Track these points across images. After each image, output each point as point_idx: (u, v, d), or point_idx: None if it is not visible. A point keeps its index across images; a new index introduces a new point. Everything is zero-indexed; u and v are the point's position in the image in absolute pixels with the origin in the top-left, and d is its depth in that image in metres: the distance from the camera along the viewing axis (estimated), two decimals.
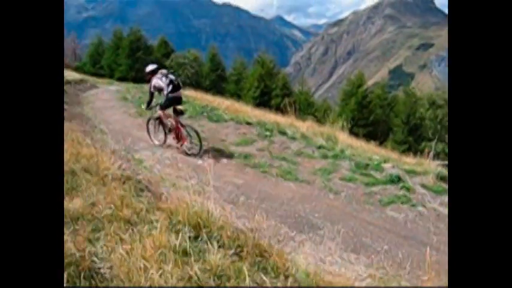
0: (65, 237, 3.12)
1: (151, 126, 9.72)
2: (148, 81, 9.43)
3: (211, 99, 19.08)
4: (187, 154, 8.52)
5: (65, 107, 12.86)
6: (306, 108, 28.21)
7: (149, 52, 36.80)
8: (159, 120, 9.35)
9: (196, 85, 31.70)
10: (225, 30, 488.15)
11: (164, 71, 9.47)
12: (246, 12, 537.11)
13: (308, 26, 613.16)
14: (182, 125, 8.91)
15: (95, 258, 2.99)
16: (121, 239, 3.21)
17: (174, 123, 8.94)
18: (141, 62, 35.18)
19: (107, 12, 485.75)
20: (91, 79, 25.14)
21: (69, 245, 3.03)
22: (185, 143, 8.72)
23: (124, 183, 4.97)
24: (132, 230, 3.43)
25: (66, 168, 5.17)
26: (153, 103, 9.47)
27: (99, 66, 37.21)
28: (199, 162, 7.66)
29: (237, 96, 31.24)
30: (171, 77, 9.18)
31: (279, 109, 20.33)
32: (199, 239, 3.43)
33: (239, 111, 14.50)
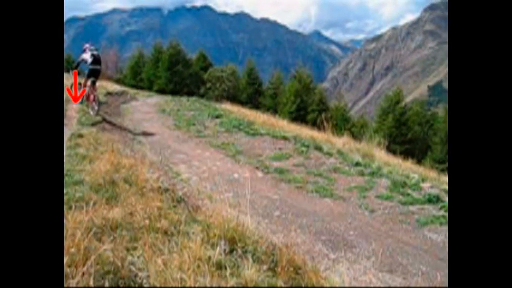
0: (105, 245, 3.21)
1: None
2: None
3: (247, 113, 19.20)
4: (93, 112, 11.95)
5: (106, 117, 13.23)
6: (342, 123, 28.00)
7: (188, 65, 37.42)
8: (85, 84, 12.35)
9: (233, 99, 31.99)
10: (262, 44, 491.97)
11: (92, 47, 12.39)
12: (284, 27, 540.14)
13: (346, 41, 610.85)
14: (93, 93, 12.09)
15: (132, 268, 3.06)
16: (158, 250, 3.27)
17: (92, 90, 12.11)
18: (179, 75, 35.88)
19: (149, 26, 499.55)
20: (131, 91, 25.76)
21: (108, 254, 3.11)
22: (92, 104, 12.14)
23: (161, 194, 5.06)
24: (169, 241, 3.49)
25: (107, 177, 5.33)
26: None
27: (140, 78, 38.08)
28: (236, 175, 7.72)
29: (274, 110, 31.28)
30: (94, 53, 12.13)
31: (315, 124, 20.28)
32: (234, 252, 3.45)
33: (275, 126, 14.53)
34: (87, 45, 12.50)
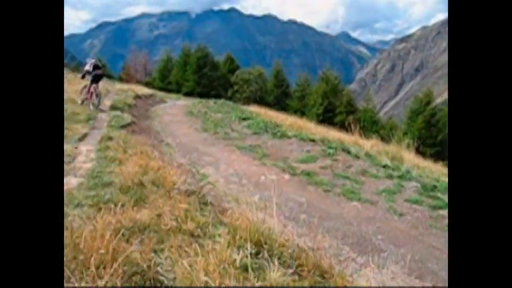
0: (133, 247, 3.25)
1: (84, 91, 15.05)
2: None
3: (274, 115, 19.22)
4: (93, 107, 14.18)
5: (135, 120, 13.45)
6: (370, 126, 27.72)
7: (215, 68, 37.76)
8: (88, 88, 14.77)
9: (260, 101, 32.08)
10: (290, 46, 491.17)
11: (92, 59, 15.70)
12: (311, 29, 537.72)
13: (374, 42, 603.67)
14: (95, 91, 14.51)
15: (159, 269, 3.09)
16: (185, 252, 3.29)
17: (93, 88, 14.51)
18: (207, 77, 36.22)
19: (177, 30, 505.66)
20: (160, 94, 26.14)
21: (136, 255, 3.16)
22: (92, 99, 14.44)
23: (189, 196, 5.10)
24: (196, 243, 3.51)
25: (135, 180, 5.41)
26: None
27: (168, 81, 38.62)
28: (262, 178, 7.72)
29: (301, 112, 31.23)
30: (93, 62, 15.21)
31: (343, 126, 20.15)
32: (260, 255, 3.44)
33: (302, 128, 14.50)
34: (87, 60, 15.83)
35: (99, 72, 15.14)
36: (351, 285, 3.50)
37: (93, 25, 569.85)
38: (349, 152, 9.78)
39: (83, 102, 14.77)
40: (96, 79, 14.86)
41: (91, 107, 14.30)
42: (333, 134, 14.66)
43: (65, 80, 22.51)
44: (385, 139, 17.24)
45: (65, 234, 3.42)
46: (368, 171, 8.46)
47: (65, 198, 4.74)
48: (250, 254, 3.35)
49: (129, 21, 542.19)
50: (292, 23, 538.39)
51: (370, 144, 11.43)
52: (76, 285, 2.74)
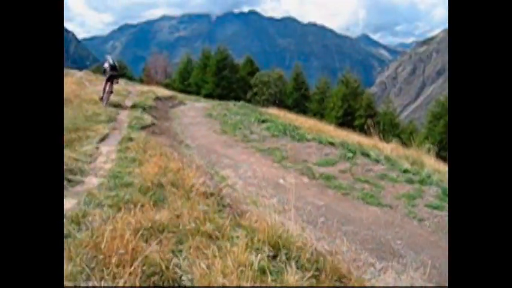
0: (151, 247, 3.28)
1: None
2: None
3: (293, 118, 19.18)
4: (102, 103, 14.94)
5: (155, 121, 13.57)
6: (390, 129, 27.42)
7: (235, 70, 37.87)
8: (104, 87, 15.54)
9: (280, 103, 32.05)
10: (309, 49, 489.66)
11: (110, 59, 16.24)
12: (331, 31, 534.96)
13: (395, 45, 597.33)
14: (110, 89, 15.48)
15: (177, 270, 3.11)
16: (203, 253, 3.31)
17: (108, 86, 15.37)
18: (227, 80, 36.35)
19: (197, 32, 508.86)
20: (179, 96, 26.28)
21: (155, 255, 3.18)
22: (104, 97, 15.18)
23: (207, 198, 5.13)
24: (214, 245, 3.52)
25: (154, 180, 5.46)
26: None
27: (188, 83, 38.85)
28: (281, 181, 7.71)
29: (320, 115, 31.12)
30: (111, 62, 15.88)
31: (363, 130, 19.94)
32: (278, 258, 3.44)
33: (322, 131, 14.42)
34: (107, 57, 16.59)
35: (114, 73, 15.90)
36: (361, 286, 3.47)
37: (115, 27, 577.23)
38: (368, 156, 9.70)
39: (101, 99, 15.61)
40: (109, 79, 15.67)
41: (104, 102, 15.20)
42: (353, 137, 14.55)
43: (86, 81, 22.94)
44: (405, 143, 17.02)
45: (86, 233, 3.48)
46: (388, 176, 8.38)
47: (85, 198, 4.81)
48: (268, 256, 3.36)
49: (150, 23, 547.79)
50: (312, 25, 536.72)
51: (390, 148, 11.30)
52: (82, 285, 2.79)
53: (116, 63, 16.68)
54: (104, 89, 15.58)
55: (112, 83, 15.79)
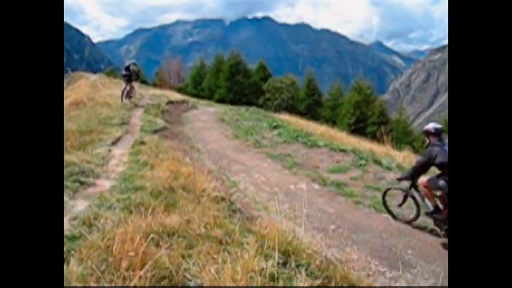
0: (162, 251, 3.29)
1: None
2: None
3: (305, 124, 19.13)
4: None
5: (168, 125, 13.63)
6: (403, 137, 27.12)
7: (248, 76, 37.85)
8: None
9: (292, 109, 31.97)
10: (322, 55, 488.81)
11: (129, 62, 18.60)
12: (345, 38, 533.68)
13: (409, 52, 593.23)
14: (126, 90, 17.11)
15: (187, 275, 3.11)
16: (212, 259, 3.31)
17: (130, 87, 17.30)
18: (239, 85, 36.35)
19: (211, 37, 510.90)
20: (192, 100, 26.37)
21: (165, 259, 3.19)
22: (125, 95, 16.96)
23: (218, 203, 5.13)
24: (224, 250, 3.52)
25: (166, 184, 5.48)
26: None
27: (200, 88, 38.95)
28: (292, 187, 7.70)
29: (332, 122, 30.95)
30: (126, 65, 18.01)
31: (375, 137, 19.80)
32: (288, 265, 3.43)
33: (334, 138, 14.36)
34: (133, 62, 18.82)
35: (127, 73, 17.71)
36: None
37: (130, 31, 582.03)
38: (380, 164, 9.64)
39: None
40: (125, 79, 17.67)
41: (124, 100, 16.99)
42: (365, 144, 14.45)
43: (100, 84, 23.13)
44: (418, 151, 16.88)
45: (97, 235, 3.50)
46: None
47: (97, 200, 4.85)
48: (278, 263, 3.34)
49: (164, 28, 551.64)
50: (326, 31, 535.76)
51: (403, 156, 11.22)
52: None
53: (129, 65, 18.42)
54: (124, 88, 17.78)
55: (128, 83, 17.58)
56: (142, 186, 5.47)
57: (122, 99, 16.99)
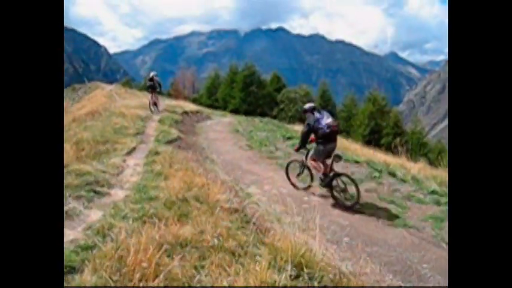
0: (174, 262, 3.29)
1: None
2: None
3: None
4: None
5: (182, 136, 13.71)
6: (418, 148, 26.88)
7: (262, 86, 38.00)
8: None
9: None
10: (336, 66, 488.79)
11: (151, 73, 20.11)
12: (359, 49, 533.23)
13: (424, 63, 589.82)
14: (152, 100, 19.02)
15: (199, 286, 3.11)
16: (225, 271, 3.30)
17: (155, 96, 19.34)
18: (253, 95, 36.48)
19: (225, 48, 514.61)
20: (206, 110, 26.53)
21: (177, 271, 3.20)
22: (152, 105, 18.78)
23: (231, 214, 5.14)
24: (236, 262, 3.51)
25: (179, 195, 5.50)
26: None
27: (215, 98, 39.23)
28: (306, 198, 7.66)
29: (346, 133, 30.85)
30: (150, 75, 19.81)
31: (389, 149, 19.69)
32: (301, 278, 3.40)
33: (348, 149, 14.29)
34: (154, 73, 19.94)
35: (150, 83, 19.23)
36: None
37: (145, 42, 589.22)
38: (395, 175, 9.55)
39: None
40: (150, 89, 19.31)
41: (152, 109, 18.63)
42: (379, 156, 14.34)
43: (116, 94, 23.40)
44: (433, 163, 16.70)
45: (110, 245, 3.52)
46: (415, 196, 8.23)
47: (111, 210, 4.89)
48: (291, 276, 3.32)
49: (179, 39, 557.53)
50: (340, 42, 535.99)
51: (418, 168, 11.09)
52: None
53: (151, 76, 19.94)
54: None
55: (152, 93, 19.28)
56: (156, 197, 5.50)
57: (150, 108, 18.54)
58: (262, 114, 31.69)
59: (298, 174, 8.79)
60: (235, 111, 34.29)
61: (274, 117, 32.89)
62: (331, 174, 7.99)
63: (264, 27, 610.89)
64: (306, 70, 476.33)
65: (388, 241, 6.05)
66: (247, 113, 32.86)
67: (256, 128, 18.46)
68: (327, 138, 7.87)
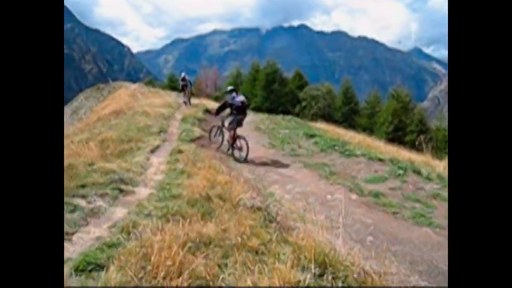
0: (198, 260, 3.30)
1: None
2: None
3: (342, 133, 18.95)
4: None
5: (204, 134, 13.77)
6: (443, 146, 26.44)
7: (284, 84, 37.96)
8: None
9: (328, 117, 31.79)
10: (359, 63, 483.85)
11: (183, 73, 23.66)
12: (382, 45, 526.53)
13: None
14: (185, 98, 22.99)
15: (223, 285, 3.11)
16: (249, 269, 3.29)
17: (184, 95, 23.24)
18: (276, 93, 36.45)
19: (247, 46, 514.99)
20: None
21: (201, 269, 3.20)
22: (184, 101, 22.81)
23: (254, 212, 5.12)
24: (260, 261, 3.50)
25: (203, 193, 5.52)
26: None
27: None
28: (329, 197, 7.61)
29: (370, 130, 30.56)
30: (182, 75, 23.48)
31: (414, 146, 19.43)
32: (325, 277, 3.37)
33: (371, 147, 14.14)
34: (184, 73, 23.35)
35: (183, 83, 22.81)
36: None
37: (168, 41, 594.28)
38: (420, 173, 9.40)
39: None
40: (183, 88, 22.91)
41: (184, 105, 21.90)
42: (403, 153, 14.14)
43: (139, 93, 23.67)
44: None
45: (135, 243, 3.56)
46: (440, 195, 8.07)
47: (135, 208, 4.94)
48: (314, 275, 3.30)
49: (201, 37, 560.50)
50: (363, 39, 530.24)
51: (443, 166, 10.89)
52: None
53: (182, 76, 23.45)
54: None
55: (183, 91, 22.86)
56: (180, 195, 5.54)
57: (185, 104, 22.18)
58: (285, 112, 31.61)
59: (215, 135, 12.65)
60: (258, 109, 34.30)
61: (297, 114, 32.80)
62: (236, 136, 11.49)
63: (285, 24, 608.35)
64: (328, 67, 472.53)
65: (413, 240, 5.96)
66: (269, 110, 32.84)
67: (279, 125, 18.41)
68: (239, 111, 11.42)
